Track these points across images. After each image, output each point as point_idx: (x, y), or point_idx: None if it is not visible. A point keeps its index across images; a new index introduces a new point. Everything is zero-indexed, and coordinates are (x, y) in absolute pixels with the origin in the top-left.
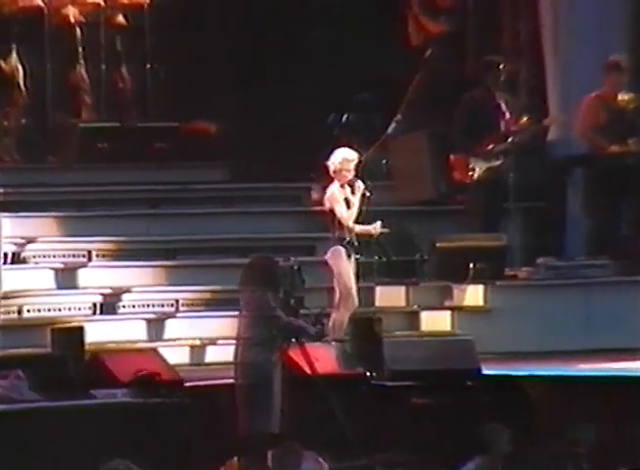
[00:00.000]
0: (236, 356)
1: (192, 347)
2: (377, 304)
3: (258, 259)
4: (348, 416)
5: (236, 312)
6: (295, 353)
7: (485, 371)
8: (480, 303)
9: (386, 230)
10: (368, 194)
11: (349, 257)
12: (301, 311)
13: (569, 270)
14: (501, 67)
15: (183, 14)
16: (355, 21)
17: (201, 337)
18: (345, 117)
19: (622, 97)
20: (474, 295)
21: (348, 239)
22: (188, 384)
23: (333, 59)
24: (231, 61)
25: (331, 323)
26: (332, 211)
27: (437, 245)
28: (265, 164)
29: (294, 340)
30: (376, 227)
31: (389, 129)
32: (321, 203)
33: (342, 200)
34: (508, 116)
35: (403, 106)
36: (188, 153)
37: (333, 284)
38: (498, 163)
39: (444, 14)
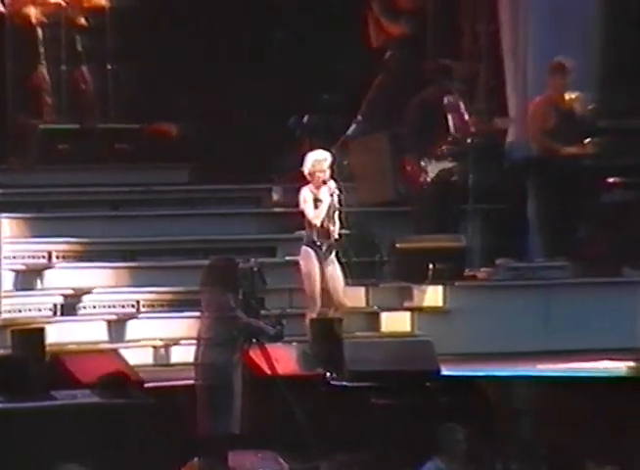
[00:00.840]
0: (196, 357)
1: (153, 347)
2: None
3: (219, 261)
4: (309, 417)
5: (197, 313)
6: (255, 354)
7: (444, 372)
8: (440, 303)
9: (346, 231)
10: (337, 192)
11: (318, 258)
12: (262, 312)
13: (527, 271)
14: (458, 68)
15: (144, 15)
16: (316, 22)
17: (162, 338)
18: (306, 118)
19: (569, 99)
20: (433, 296)
21: (316, 240)
22: (149, 385)
23: (294, 60)
24: (192, 62)
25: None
26: (303, 212)
27: (397, 246)
28: (226, 166)
29: (254, 340)
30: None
31: (350, 130)
32: (282, 204)
33: (312, 201)
34: (466, 117)
35: (363, 107)
36: (149, 154)
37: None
38: (452, 164)
39: (404, 16)
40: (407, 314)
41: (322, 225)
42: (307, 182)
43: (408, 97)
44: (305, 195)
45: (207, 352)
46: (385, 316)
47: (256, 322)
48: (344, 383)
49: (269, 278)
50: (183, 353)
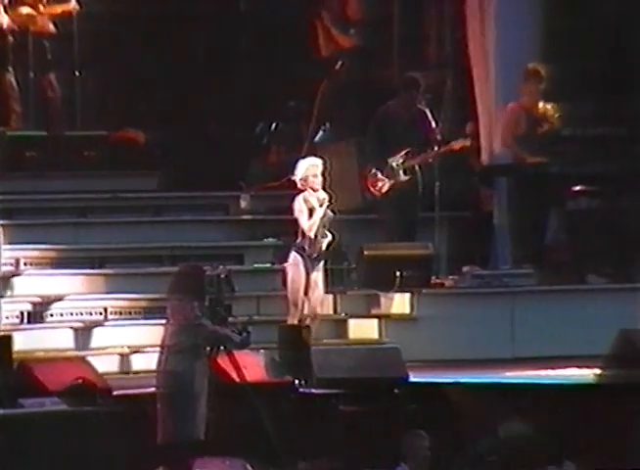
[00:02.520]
0: (159, 364)
1: (121, 355)
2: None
3: (185, 268)
4: (276, 424)
5: (164, 321)
6: (223, 361)
7: (412, 379)
8: (407, 311)
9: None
10: (327, 203)
11: (306, 266)
12: (230, 320)
13: (494, 279)
14: (422, 82)
15: (112, 23)
16: (283, 31)
17: (130, 345)
18: (274, 125)
19: (542, 106)
20: (400, 303)
21: (307, 249)
22: (117, 392)
23: (261, 68)
24: (160, 70)
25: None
26: (297, 220)
27: (365, 253)
28: (194, 173)
29: (221, 348)
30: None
31: (317, 138)
32: (250, 211)
33: (307, 209)
34: (433, 125)
35: (318, 114)
36: (116, 161)
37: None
38: (419, 172)
39: (354, 27)
40: (375, 322)
41: (314, 234)
42: (299, 191)
43: (364, 106)
44: (300, 204)
45: (170, 359)
46: (352, 323)
47: (222, 329)
48: (313, 390)
49: (237, 285)
50: (151, 361)
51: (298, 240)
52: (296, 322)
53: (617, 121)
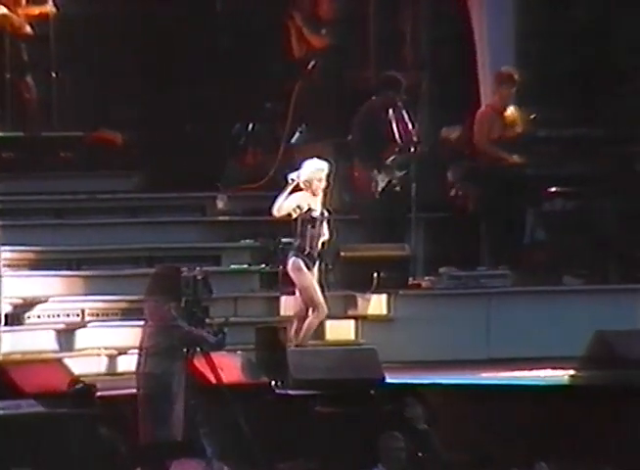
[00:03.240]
0: (138, 366)
1: (98, 357)
2: (281, 313)
3: (162, 269)
4: (253, 425)
5: (142, 322)
6: (200, 363)
7: (389, 380)
8: (384, 312)
9: (290, 240)
10: (327, 214)
11: (308, 267)
12: (207, 321)
13: (470, 280)
14: (403, 81)
15: (89, 24)
16: (260, 32)
17: (107, 347)
18: (251, 126)
19: (514, 108)
20: (377, 304)
21: (306, 249)
22: (99, 393)
23: (238, 69)
24: (137, 71)
25: (292, 331)
26: (295, 220)
27: (342, 254)
28: (171, 174)
29: (197, 349)
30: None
31: (294, 139)
32: (227, 213)
33: (304, 208)
34: (410, 126)
35: (293, 114)
36: (93, 162)
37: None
38: (396, 173)
39: (326, 27)
40: (352, 323)
41: (312, 235)
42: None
43: (340, 107)
44: (300, 204)
45: (149, 360)
46: (329, 324)
47: (197, 331)
48: (289, 391)
49: (214, 286)
50: (129, 362)
51: (296, 242)
52: (317, 323)
53: (592, 123)
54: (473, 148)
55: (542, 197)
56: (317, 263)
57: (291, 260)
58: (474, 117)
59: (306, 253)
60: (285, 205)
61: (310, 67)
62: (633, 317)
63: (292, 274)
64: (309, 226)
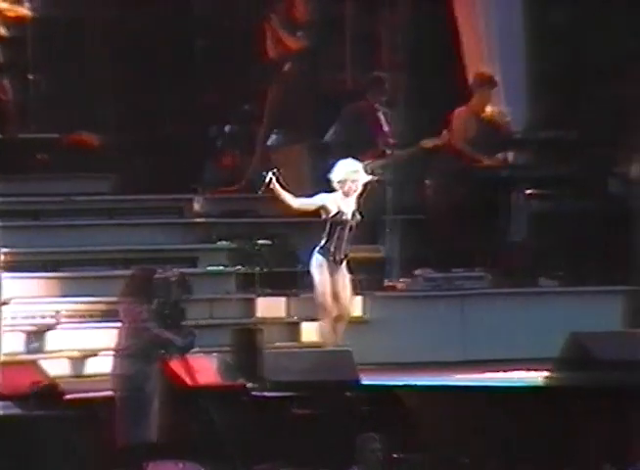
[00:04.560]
0: (113, 368)
1: (72, 358)
2: (258, 315)
3: (136, 271)
4: (229, 427)
5: (118, 324)
6: (175, 365)
7: (364, 381)
8: (360, 313)
9: (266, 242)
10: (359, 217)
11: (330, 267)
12: (182, 323)
13: (445, 282)
14: (382, 80)
15: (66, 26)
16: (236, 33)
17: (83, 349)
18: (228, 128)
19: (490, 110)
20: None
21: (331, 250)
22: (69, 396)
23: (215, 71)
24: (113, 73)
25: (318, 332)
26: (325, 220)
27: None
28: (148, 176)
29: (164, 351)
30: None
31: (270, 141)
32: (204, 214)
33: (334, 210)
34: (387, 129)
35: (269, 116)
36: (70, 164)
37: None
38: (372, 175)
39: (302, 29)
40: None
41: (340, 236)
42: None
43: (316, 109)
44: (328, 204)
45: (123, 362)
46: (305, 326)
47: (165, 333)
48: (265, 393)
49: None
50: (103, 365)
51: (322, 242)
52: (327, 324)
53: (568, 125)
54: (450, 149)
55: (518, 198)
56: (344, 265)
57: (313, 258)
58: (452, 118)
59: (331, 254)
60: (308, 201)
61: (286, 69)
62: (608, 319)
63: (312, 270)
64: (339, 228)
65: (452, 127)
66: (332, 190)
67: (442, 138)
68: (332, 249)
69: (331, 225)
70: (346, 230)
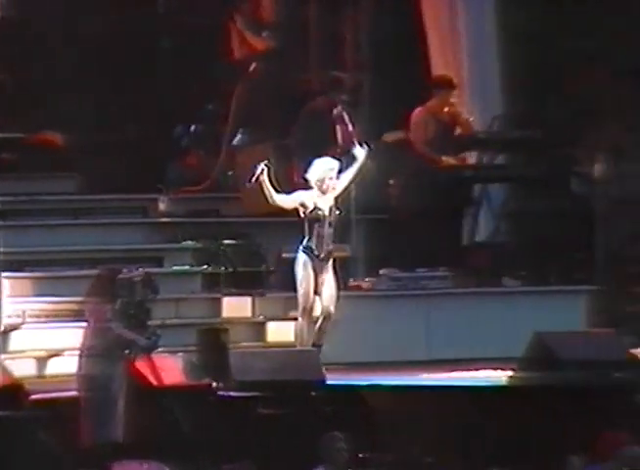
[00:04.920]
0: (78, 368)
1: (38, 358)
2: (223, 314)
3: (102, 271)
4: (194, 426)
5: (83, 324)
6: (141, 364)
7: (329, 381)
8: None
9: (231, 241)
10: (335, 202)
11: (314, 266)
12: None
13: (410, 281)
14: (343, 80)
15: (31, 24)
16: (201, 33)
17: (48, 348)
18: (193, 128)
19: (449, 110)
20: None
21: (314, 248)
22: (34, 397)
23: (179, 70)
24: (77, 72)
25: (294, 331)
26: (303, 218)
27: (283, 256)
28: (113, 176)
29: (128, 351)
30: None
31: (235, 141)
32: (169, 214)
33: (313, 208)
34: (351, 128)
35: (235, 116)
36: (34, 164)
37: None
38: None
39: (267, 29)
40: (293, 324)
41: (319, 234)
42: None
43: (281, 109)
44: (305, 201)
45: (88, 362)
46: (271, 326)
47: (128, 333)
48: (231, 393)
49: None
50: (68, 365)
51: (305, 240)
52: (307, 323)
53: (532, 124)
54: (411, 149)
55: (482, 198)
56: (329, 264)
57: (299, 256)
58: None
59: (314, 252)
60: (287, 198)
61: (251, 69)
62: (571, 319)
63: (296, 268)
64: (317, 225)
65: (411, 128)
66: (308, 188)
67: (405, 134)
68: (313, 246)
69: (309, 222)
70: (325, 227)
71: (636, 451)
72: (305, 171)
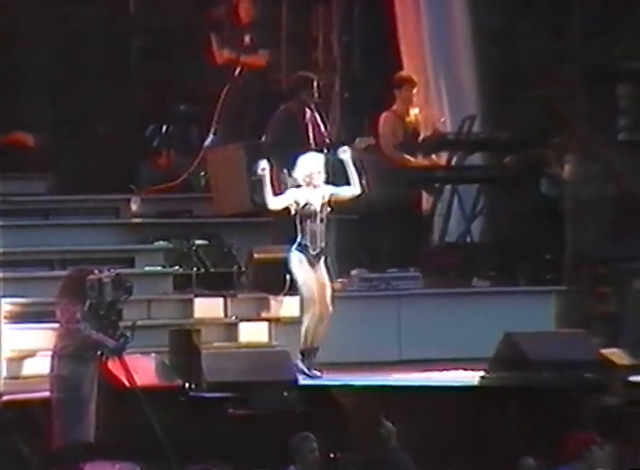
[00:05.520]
0: (50, 369)
1: (9, 359)
2: (195, 315)
3: (73, 272)
4: (166, 427)
5: (54, 325)
6: (113, 365)
7: (301, 382)
8: (297, 314)
9: (203, 242)
10: (327, 197)
11: (310, 262)
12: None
13: (381, 282)
14: (316, 81)
15: (1, 24)
16: (173, 33)
17: (18, 349)
18: (165, 128)
19: (416, 112)
20: (290, 306)
21: (308, 245)
22: (4, 398)
23: (152, 71)
24: (49, 72)
25: (302, 331)
26: (295, 216)
27: (255, 256)
28: (84, 176)
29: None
30: None
31: (207, 141)
32: (140, 215)
33: (301, 205)
34: (323, 129)
35: (216, 119)
36: (5, 164)
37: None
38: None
39: (243, 31)
40: (265, 325)
41: (312, 230)
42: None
43: (258, 110)
44: (298, 198)
45: (59, 363)
46: (242, 327)
47: (97, 334)
48: (203, 393)
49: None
50: (39, 365)
51: (299, 238)
52: (314, 321)
53: (502, 125)
54: (380, 152)
55: (452, 199)
56: (322, 261)
57: (293, 254)
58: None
59: (308, 248)
60: (283, 197)
61: (225, 70)
62: (541, 319)
63: (292, 268)
64: (309, 221)
65: (379, 132)
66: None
67: (375, 139)
68: (307, 243)
69: (301, 219)
70: (317, 223)
71: (604, 452)
72: (290, 172)
